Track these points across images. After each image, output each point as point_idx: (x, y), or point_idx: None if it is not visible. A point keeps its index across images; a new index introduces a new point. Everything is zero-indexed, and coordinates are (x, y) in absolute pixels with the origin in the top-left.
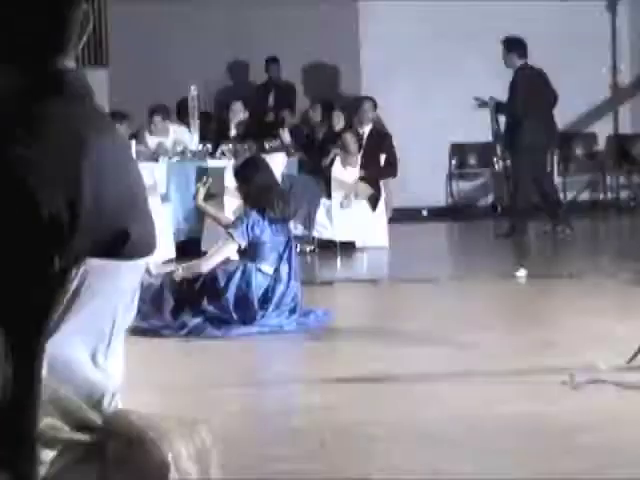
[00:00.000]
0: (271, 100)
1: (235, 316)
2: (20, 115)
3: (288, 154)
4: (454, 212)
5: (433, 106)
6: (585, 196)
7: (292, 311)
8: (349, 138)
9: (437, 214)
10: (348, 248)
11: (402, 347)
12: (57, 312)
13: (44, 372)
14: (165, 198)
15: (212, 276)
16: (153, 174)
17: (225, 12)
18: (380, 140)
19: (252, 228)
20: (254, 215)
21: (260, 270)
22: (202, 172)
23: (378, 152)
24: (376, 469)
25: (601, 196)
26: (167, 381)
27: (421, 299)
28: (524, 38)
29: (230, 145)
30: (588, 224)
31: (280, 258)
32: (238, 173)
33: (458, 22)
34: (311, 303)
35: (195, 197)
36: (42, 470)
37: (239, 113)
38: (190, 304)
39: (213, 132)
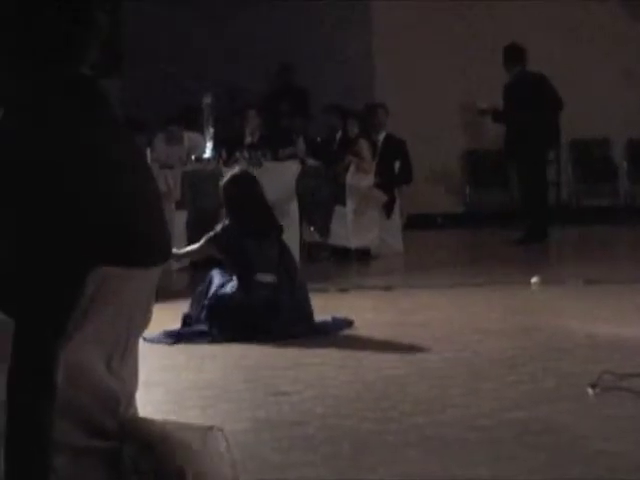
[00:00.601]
0: (285, 107)
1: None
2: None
3: (302, 161)
4: (469, 218)
5: (447, 112)
6: (600, 202)
7: (304, 319)
8: (363, 145)
9: (452, 220)
10: (363, 255)
11: (417, 353)
12: (74, 318)
13: (59, 378)
14: (180, 205)
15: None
16: (168, 181)
17: (240, 21)
18: (395, 147)
19: (228, 238)
20: (232, 227)
21: (258, 280)
22: (216, 179)
23: (393, 159)
24: (391, 475)
25: (616, 202)
26: (181, 387)
27: (436, 305)
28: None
29: (245, 152)
30: (603, 230)
31: (277, 268)
32: (222, 187)
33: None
34: (327, 310)
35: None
36: (56, 476)
37: (253, 120)
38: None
39: (227, 139)
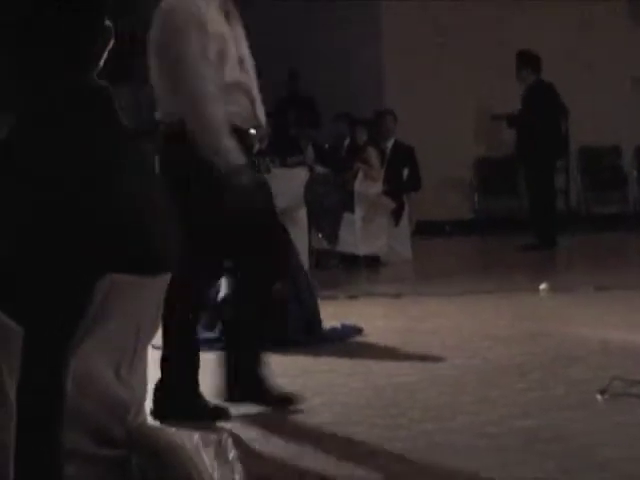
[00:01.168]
0: (292, 114)
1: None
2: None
3: (311, 168)
4: (477, 226)
5: (456, 119)
6: (610, 209)
7: (312, 326)
8: (371, 152)
9: (460, 227)
10: (372, 262)
11: (426, 360)
12: (83, 326)
13: (68, 386)
14: None
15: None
16: None
17: (248, 28)
18: (403, 154)
19: None
20: None
21: None
22: None
23: (401, 166)
24: None
25: (625, 209)
26: None
27: (445, 313)
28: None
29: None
30: (613, 237)
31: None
32: None
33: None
34: (336, 317)
35: None
36: None
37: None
38: None
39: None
